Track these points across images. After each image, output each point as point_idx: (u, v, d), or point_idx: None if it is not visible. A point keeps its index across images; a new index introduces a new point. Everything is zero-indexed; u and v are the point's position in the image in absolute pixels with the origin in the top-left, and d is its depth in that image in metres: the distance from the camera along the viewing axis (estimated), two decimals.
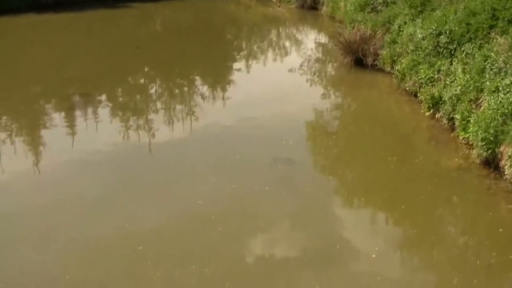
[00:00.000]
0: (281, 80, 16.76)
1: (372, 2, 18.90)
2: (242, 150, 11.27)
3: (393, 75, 14.92)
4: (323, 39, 22.32)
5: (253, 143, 11.69)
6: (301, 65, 17.95)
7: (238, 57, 20.41)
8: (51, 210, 9.27)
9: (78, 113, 13.87)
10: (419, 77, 13.39)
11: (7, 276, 7.62)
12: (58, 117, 13.64)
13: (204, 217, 8.83)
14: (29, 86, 16.18)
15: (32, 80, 16.75)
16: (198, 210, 9.08)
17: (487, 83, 11.13)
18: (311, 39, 22.26)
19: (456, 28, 13.10)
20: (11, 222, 8.94)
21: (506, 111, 10.01)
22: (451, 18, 13.64)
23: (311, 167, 10.91)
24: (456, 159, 10.65)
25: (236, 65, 18.87)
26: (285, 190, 9.67)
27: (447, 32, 13.38)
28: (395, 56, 15.36)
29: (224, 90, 15.86)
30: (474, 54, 12.22)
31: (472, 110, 11.09)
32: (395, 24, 16.50)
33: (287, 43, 22.49)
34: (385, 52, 15.87)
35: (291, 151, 11.16)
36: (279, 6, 28.39)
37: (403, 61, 14.57)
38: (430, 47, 13.71)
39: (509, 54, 11.12)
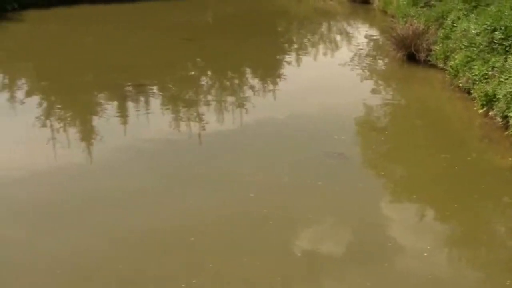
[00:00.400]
0: (331, 74, 16.64)
1: None
2: (294, 144, 11.21)
3: (446, 71, 14.66)
4: (374, 33, 22.07)
5: (304, 137, 11.62)
6: (351, 60, 17.77)
7: (288, 50, 20.31)
8: (103, 198, 9.36)
9: (130, 103, 13.98)
10: (473, 74, 13.12)
11: (64, 260, 7.71)
12: (110, 107, 13.76)
13: (255, 210, 8.81)
14: (82, 75, 16.38)
15: (85, 70, 16.95)
16: (250, 203, 9.06)
17: None
18: (362, 34, 22.00)
19: None
20: (63, 209, 9.06)
21: None
22: (506, 14, 13.33)
23: (363, 163, 10.79)
24: (510, 158, 10.41)
25: (286, 58, 18.78)
26: (337, 185, 9.59)
27: (502, 28, 13.08)
28: (448, 52, 15.08)
29: (274, 83, 15.79)
30: None
31: None
32: (448, 19, 16.19)
33: (338, 37, 22.29)
34: (438, 48, 15.60)
35: (343, 146, 11.05)
36: None
37: (456, 57, 14.29)
38: (485, 43, 13.42)
39: None
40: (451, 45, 15.07)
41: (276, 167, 10.23)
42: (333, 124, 12.27)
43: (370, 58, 18.37)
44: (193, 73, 17.41)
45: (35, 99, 14.54)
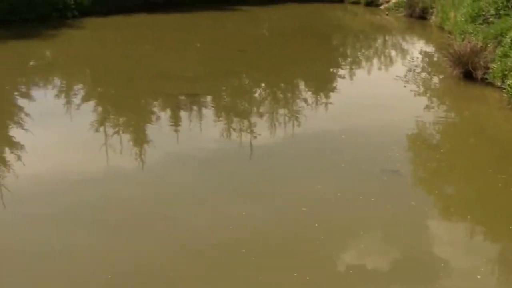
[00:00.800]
0: (385, 89, 16.41)
1: (483, 13, 18.20)
2: (347, 158, 11.03)
3: (504, 90, 14.28)
4: (430, 49, 21.73)
5: (357, 151, 11.42)
6: (405, 75, 17.50)
7: (342, 64, 20.16)
8: (155, 205, 9.34)
9: (183, 112, 13.99)
10: None
11: (126, 271, 7.70)
12: (164, 115, 13.81)
13: (307, 224, 8.66)
14: (138, 83, 16.52)
15: (140, 77, 17.09)
16: (302, 217, 8.91)
17: None
18: (418, 49, 21.70)
19: None
20: (113, 210, 9.09)
21: None
22: None
23: (416, 180, 10.54)
24: None
25: (340, 72, 18.63)
26: (390, 202, 9.36)
27: None
28: (506, 70, 14.69)
29: (327, 96, 15.65)
30: None
31: None
32: (507, 37, 15.79)
33: (393, 52, 22.04)
34: (495, 66, 15.21)
35: (397, 163, 10.82)
36: (387, 14, 27.89)
37: None
38: None
39: None
40: (509, 64, 14.68)
41: (328, 182, 10.06)
42: (386, 139, 12.04)
43: (425, 74, 18.06)
44: (246, 84, 17.38)
45: (90, 104, 14.70)
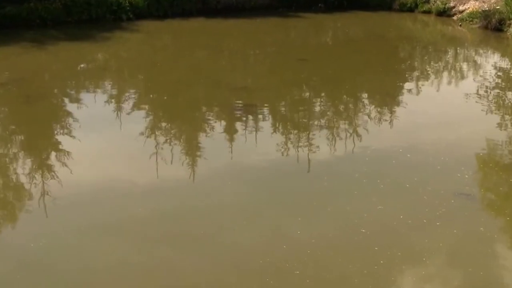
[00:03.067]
0: (454, 105, 16.16)
1: None
2: (411, 179, 10.88)
3: None
4: (505, 64, 21.33)
5: (423, 172, 11.25)
6: (477, 91, 17.19)
7: (409, 77, 19.92)
8: (202, 218, 9.40)
9: (238, 123, 14.05)
10: None
11: (160, 282, 7.75)
12: (218, 125, 13.87)
13: (366, 247, 8.57)
14: (192, 91, 16.68)
15: (195, 85, 17.25)
16: (360, 239, 8.83)
17: None
18: (492, 63, 21.32)
19: None
20: (160, 224, 9.16)
21: None
22: None
23: (486, 205, 10.31)
24: None
25: (406, 86, 18.41)
26: (457, 227, 9.19)
27: None
28: None
29: (392, 111, 15.48)
30: None
31: None
32: None
33: (464, 66, 21.70)
34: None
35: (466, 186, 10.62)
36: (460, 25, 27.49)
37: None
38: None
39: None
40: None
41: (390, 203, 9.95)
42: (454, 160, 11.83)
43: (498, 90, 17.72)
44: (306, 95, 17.36)
45: (142, 112, 14.87)
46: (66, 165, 11.35)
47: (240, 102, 15.68)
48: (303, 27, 27.22)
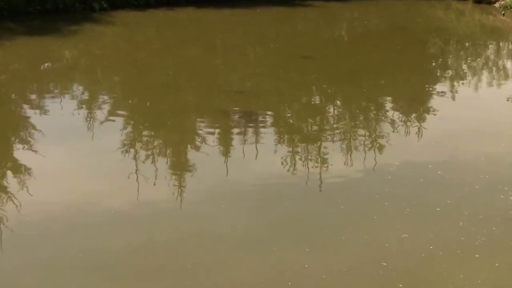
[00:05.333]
0: (496, 111, 16.21)
1: None
2: (443, 201, 10.91)
3: None
4: None
5: (458, 192, 11.29)
6: None
7: (441, 77, 20.02)
8: (192, 250, 9.40)
9: (236, 133, 14.10)
10: None
11: None
12: (211, 137, 13.89)
13: (388, 284, 8.60)
14: (179, 95, 16.75)
15: (183, 88, 17.33)
16: (382, 274, 8.85)
17: None
18: None
19: None
20: (142, 259, 9.16)
21: None
22: None
23: None
24: None
25: (438, 88, 18.47)
26: (499, 260, 9.20)
27: None
28: None
29: (420, 119, 15.54)
30: None
31: None
32: None
33: (509, 64, 21.79)
34: None
35: (511, 209, 10.66)
36: (503, 14, 27.60)
37: None
38: None
39: None
40: None
41: (417, 231, 9.97)
42: (496, 177, 11.86)
43: None
44: (316, 100, 17.43)
45: (119, 121, 14.90)
46: (25, 186, 11.36)
47: (237, 108, 15.74)
48: (312, 18, 27.32)
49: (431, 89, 18.41)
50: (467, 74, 20.50)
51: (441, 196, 11.15)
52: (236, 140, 13.75)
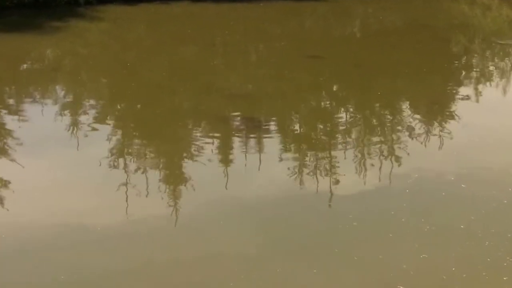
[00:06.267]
0: None
1: None
2: (469, 217, 10.91)
3: None
4: None
5: (485, 207, 11.29)
6: None
7: (465, 79, 20.02)
8: (188, 273, 9.41)
9: (236, 142, 14.12)
10: None
11: None
12: (209, 146, 13.90)
13: None
14: (173, 99, 16.76)
15: (178, 91, 17.33)
16: None
17: None
18: None
19: None
20: (136, 280, 9.20)
21: None
22: None
23: None
24: None
25: (461, 91, 18.49)
26: None
27: None
28: None
29: (441, 125, 15.55)
30: None
31: None
32: None
33: None
34: None
35: None
36: None
37: None
38: None
39: None
40: None
41: (438, 250, 9.99)
42: None
43: None
44: (326, 105, 17.43)
45: (106, 128, 14.95)
46: (1, 201, 11.39)
47: (238, 114, 15.76)
48: (321, 14, 27.33)
49: (453, 92, 18.42)
50: (494, 75, 20.50)
51: (465, 212, 11.17)
52: (237, 149, 13.78)
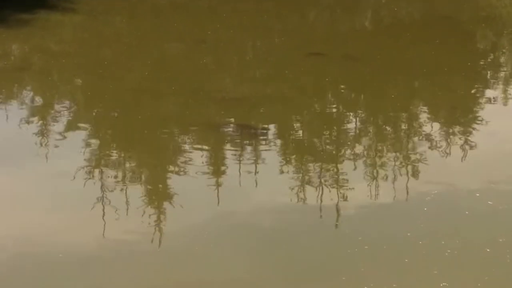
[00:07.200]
0: None
1: None
2: (496, 239, 10.90)
3: None
4: None
5: None
6: None
7: (492, 80, 20.03)
8: None
9: (230, 152, 14.13)
10: None
11: None
12: (199, 157, 13.92)
13: None
14: (157, 103, 16.74)
15: (166, 94, 17.32)
16: None
17: None
18: None
19: None
20: None
21: None
22: None
23: None
24: None
25: (488, 93, 18.50)
26: None
27: None
28: None
29: (465, 132, 15.57)
30: None
31: None
32: None
33: None
34: None
35: None
36: None
37: None
38: None
39: None
40: None
41: (462, 277, 10.02)
42: None
43: None
44: (333, 110, 17.44)
45: (80, 136, 14.92)
46: None
47: (232, 120, 15.75)
48: (327, 5, 27.36)
49: (479, 95, 18.44)
50: None
51: (492, 233, 11.17)
52: (230, 161, 13.78)
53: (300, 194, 12.60)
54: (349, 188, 12.78)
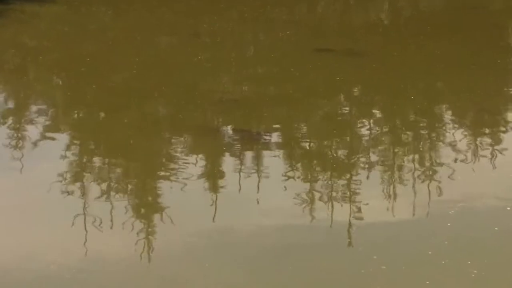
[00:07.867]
0: None
1: None
2: None
3: None
4: None
5: None
6: None
7: None
8: None
9: (228, 159, 14.14)
10: None
11: None
12: (192, 165, 13.95)
13: None
14: (150, 106, 16.76)
15: (152, 94, 17.34)
16: None
17: None
18: None
19: None
20: None
21: None
22: None
23: None
24: None
25: None
26: None
27: None
28: None
29: (495, 138, 15.57)
30: None
31: None
32: None
33: None
34: None
35: None
36: None
37: None
38: None
39: None
40: None
41: None
42: None
43: None
44: (345, 113, 17.45)
45: (59, 142, 14.95)
46: None
47: (231, 124, 15.76)
48: None
49: (509, 96, 18.45)
50: None
51: None
52: (228, 170, 13.80)
53: (307, 207, 12.59)
54: (363, 201, 12.76)
